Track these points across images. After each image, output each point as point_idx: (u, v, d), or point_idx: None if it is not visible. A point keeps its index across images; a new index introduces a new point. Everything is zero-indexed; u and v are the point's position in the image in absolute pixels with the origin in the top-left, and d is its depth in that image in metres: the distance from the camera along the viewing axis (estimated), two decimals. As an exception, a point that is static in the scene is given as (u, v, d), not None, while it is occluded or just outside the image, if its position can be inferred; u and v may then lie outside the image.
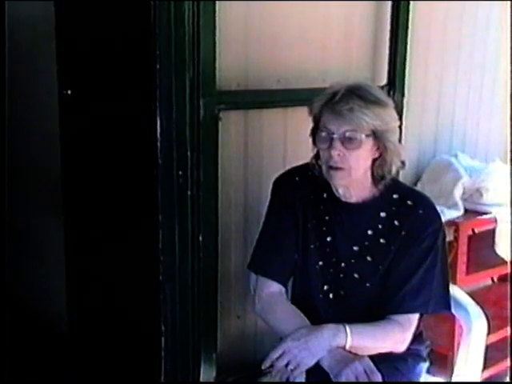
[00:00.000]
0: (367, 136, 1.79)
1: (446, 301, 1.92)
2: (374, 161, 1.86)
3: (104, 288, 2.92)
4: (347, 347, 1.78)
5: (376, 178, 1.89)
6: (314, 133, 1.87)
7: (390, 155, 1.84)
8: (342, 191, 1.91)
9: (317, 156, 1.91)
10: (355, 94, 1.77)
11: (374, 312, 1.88)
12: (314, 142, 1.88)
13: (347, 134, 1.77)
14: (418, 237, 1.87)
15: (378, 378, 1.73)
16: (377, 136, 1.80)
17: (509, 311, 3.12)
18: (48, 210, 3.40)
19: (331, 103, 1.79)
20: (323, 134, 1.81)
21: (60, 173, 3.09)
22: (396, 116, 1.86)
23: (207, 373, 2.43)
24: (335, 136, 1.78)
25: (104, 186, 2.87)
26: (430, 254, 1.87)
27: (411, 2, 2.82)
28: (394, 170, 1.88)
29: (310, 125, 1.89)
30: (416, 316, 1.90)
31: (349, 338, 1.78)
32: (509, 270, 3.28)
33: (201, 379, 2.41)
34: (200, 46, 2.20)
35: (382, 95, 1.84)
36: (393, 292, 1.87)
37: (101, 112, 2.80)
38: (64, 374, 3.12)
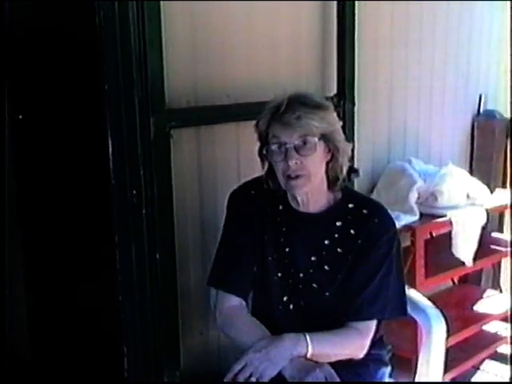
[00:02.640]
0: (319, 139, 1.85)
1: (402, 306, 1.97)
2: (327, 164, 1.92)
3: (64, 310, 2.92)
4: (308, 356, 1.82)
5: (331, 181, 1.95)
6: (263, 149, 1.91)
7: (341, 155, 1.91)
8: (300, 199, 1.95)
9: (268, 172, 1.96)
10: (299, 102, 1.83)
11: (333, 320, 1.91)
12: (263, 160, 1.94)
13: (301, 141, 1.83)
14: (374, 245, 1.91)
15: (339, 384, 1.77)
16: (326, 138, 1.87)
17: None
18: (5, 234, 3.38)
19: (278, 115, 1.84)
20: (275, 146, 1.86)
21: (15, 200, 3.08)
22: (337, 117, 1.94)
23: (171, 390, 2.43)
24: (289, 146, 1.83)
25: (60, 209, 2.87)
26: (386, 261, 1.92)
27: (356, 3, 2.86)
28: (345, 170, 1.94)
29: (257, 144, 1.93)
30: (374, 322, 1.94)
31: (309, 347, 1.81)
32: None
33: (165, 397, 2.41)
34: (147, 64, 2.21)
35: (322, 100, 1.91)
36: (350, 300, 1.91)
37: (53, 134, 2.80)
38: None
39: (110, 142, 2.28)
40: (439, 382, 2.30)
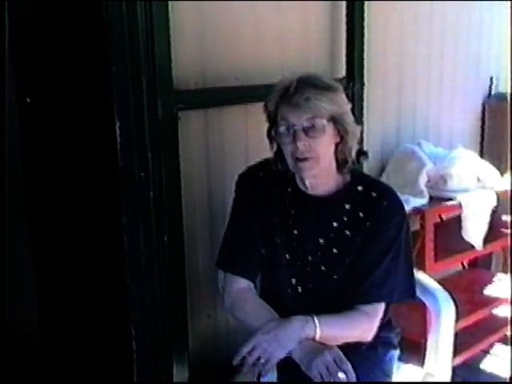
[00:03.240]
0: (328, 121, 1.84)
1: (410, 289, 1.98)
2: (336, 146, 1.92)
3: (72, 293, 2.93)
4: (317, 338, 1.82)
5: (340, 164, 1.94)
6: (271, 131, 1.91)
7: (350, 137, 1.91)
8: (309, 182, 1.95)
9: (277, 154, 1.95)
10: (308, 84, 1.82)
11: (341, 303, 1.92)
12: (272, 141, 1.94)
13: (309, 123, 1.82)
14: (383, 228, 1.91)
15: (348, 366, 1.76)
16: (335, 120, 1.86)
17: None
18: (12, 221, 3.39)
19: (286, 97, 1.83)
20: (284, 128, 1.86)
21: (24, 181, 3.08)
22: (347, 99, 1.93)
23: (180, 373, 2.44)
24: (297, 127, 1.83)
25: (67, 193, 2.88)
26: (394, 244, 1.92)
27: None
28: (353, 153, 1.94)
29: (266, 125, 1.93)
30: (382, 305, 1.94)
31: (318, 329, 1.82)
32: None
33: (174, 380, 2.42)
34: (155, 46, 2.20)
35: (331, 81, 1.91)
36: (359, 282, 1.91)
37: (60, 117, 2.80)
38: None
39: (117, 124, 2.28)
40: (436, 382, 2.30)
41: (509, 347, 3.41)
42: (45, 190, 2.99)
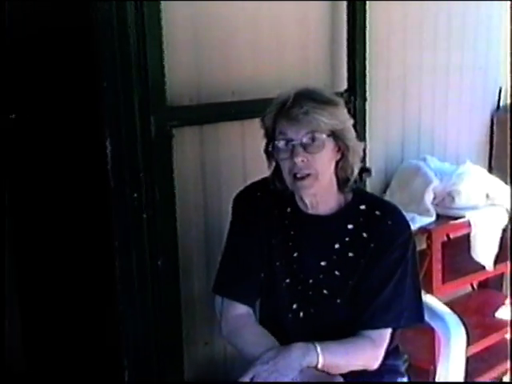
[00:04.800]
0: (328, 136, 1.84)
1: (418, 313, 1.97)
2: (337, 164, 1.92)
3: (61, 321, 2.92)
4: (319, 366, 1.81)
5: (341, 182, 1.95)
6: (269, 147, 1.91)
7: (351, 154, 1.91)
8: (309, 201, 1.95)
9: (275, 172, 1.96)
10: (307, 97, 1.83)
11: (345, 329, 1.91)
12: (269, 158, 1.94)
13: (308, 138, 1.82)
14: (388, 249, 1.91)
15: (353, 397, 1.77)
16: (336, 136, 1.86)
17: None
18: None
19: (284, 110, 1.83)
20: (282, 143, 1.86)
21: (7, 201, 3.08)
22: (348, 115, 1.93)
23: (175, 404, 2.44)
24: (295, 142, 1.83)
25: (55, 215, 2.88)
26: (400, 265, 1.91)
27: (367, 2, 2.87)
28: (356, 171, 1.94)
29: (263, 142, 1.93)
30: (388, 330, 1.93)
31: (320, 357, 1.80)
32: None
33: (169, 411, 2.42)
34: (147, 60, 2.22)
35: (332, 95, 1.91)
36: (363, 307, 1.91)
37: (47, 135, 2.81)
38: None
39: (108, 143, 2.29)
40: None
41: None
42: (31, 213, 2.99)
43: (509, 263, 3.26)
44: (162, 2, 2.24)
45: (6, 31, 2.83)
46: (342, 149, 1.90)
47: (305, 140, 1.82)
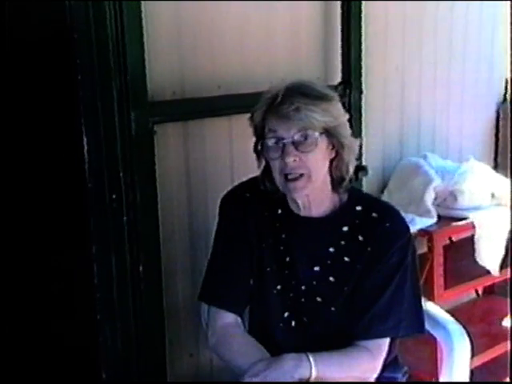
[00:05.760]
0: (321, 134, 1.85)
1: (418, 322, 1.98)
2: (331, 162, 1.93)
3: (35, 331, 2.93)
4: (312, 379, 1.82)
5: (336, 182, 1.96)
6: (259, 145, 1.92)
7: (346, 152, 1.92)
8: (301, 202, 1.96)
9: (265, 171, 1.97)
10: (298, 92, 1.83)
11: (340, 339, 1.93)
12: (259, 157, 1.95)
13: (300, 136, 1.83)
14: (386, 253, 1.92)
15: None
16: (330, 133, 1.88)
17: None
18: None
19: (274, 107, 1.84)
20: (272, 141, 1.87)
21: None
22: (343, 110, 1.95)
23: (159, 420, 2.44)
24: (286, 141, 1.84)
25: (29, 216, 2.89)
26: (399, 271, 1.92)
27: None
28: (351, 170, 1.96)
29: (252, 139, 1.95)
30: (386, 340, 1.95)
31: (313, 369, 1.82)
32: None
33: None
34: (126, 51, 2.22)
35: (326, 89, 1.92)
36: (359, 315, 1.92)
37: (21, 132, 2.82)
38: None
39: (85, 140, 2.29)
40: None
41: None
42: (5, 217, 2.99)
43: (510, 268, 3.26)
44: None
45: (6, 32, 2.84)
46: (337, 146, 1.91)
47: (296, 138, 1.84)
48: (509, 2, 3.49)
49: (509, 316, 3.29)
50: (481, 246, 3.17)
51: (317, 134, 1.85)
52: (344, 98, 2.80)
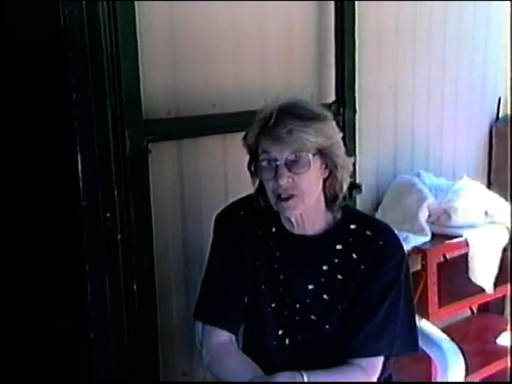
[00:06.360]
0: (314, 155, 1.86)
1: (412, 340, 1.99)
2: (325, 181, 1.95)
3: (30, 351, 2.92)
4: (306, 397, 1.83)
5: (329, 200, 1.98)
6: (252, 165, 1.94)
7: (340, 171, 1.93)
8: (295, 220, 1.97)
9: (259, 189, 1.99)
10: (290, 113, 1.84)
11: (334, 357, 1.94)
12: (253, 175, 1.96)
13: (292, 158, 1.84)
14: (379, 271, 1.93)
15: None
16: (323, 153, 1.89)
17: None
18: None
19: (267, 129, 1.85)
20: (265, 163, 1.88)
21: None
22: (337, 128, 1.96)
23: None
24: (279, 163, 1.85)
25: (22, 234, 2.89)
26: (393, 289, 1.93)
27: (356, 3, 2.89)
28: (345, 188, 1.97)
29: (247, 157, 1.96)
30: (380, 359, 1.96)
31: (307, 388, 1.83)
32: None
33: None
34: (121, 70, 2.23)
35: (318, 109, 1.92)
36: (353, 333, 1.93)
37: (15, 150, 2.82)
38: None
39: (79, 159, 2.30)
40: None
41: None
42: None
43: (510, 285, 3.25)
44: (137, 9, 2.25)
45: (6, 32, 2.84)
46: (330, 166, 1.92)
47: (289, 159, 1.84)
48: (508, 5, 3.51)
49: (508, 332, 3.29)
50: (475, 264, 3.17)
51: (310, 155, 1.85)
52: (338, 116, 2.81)
